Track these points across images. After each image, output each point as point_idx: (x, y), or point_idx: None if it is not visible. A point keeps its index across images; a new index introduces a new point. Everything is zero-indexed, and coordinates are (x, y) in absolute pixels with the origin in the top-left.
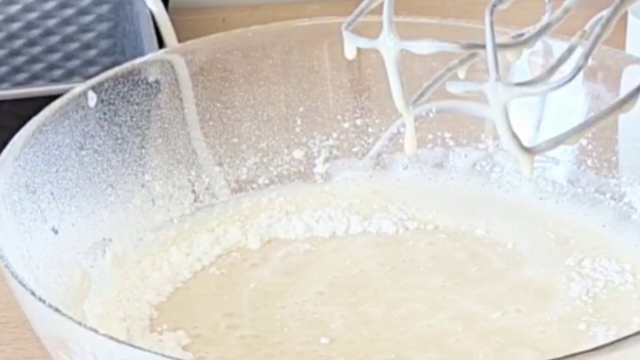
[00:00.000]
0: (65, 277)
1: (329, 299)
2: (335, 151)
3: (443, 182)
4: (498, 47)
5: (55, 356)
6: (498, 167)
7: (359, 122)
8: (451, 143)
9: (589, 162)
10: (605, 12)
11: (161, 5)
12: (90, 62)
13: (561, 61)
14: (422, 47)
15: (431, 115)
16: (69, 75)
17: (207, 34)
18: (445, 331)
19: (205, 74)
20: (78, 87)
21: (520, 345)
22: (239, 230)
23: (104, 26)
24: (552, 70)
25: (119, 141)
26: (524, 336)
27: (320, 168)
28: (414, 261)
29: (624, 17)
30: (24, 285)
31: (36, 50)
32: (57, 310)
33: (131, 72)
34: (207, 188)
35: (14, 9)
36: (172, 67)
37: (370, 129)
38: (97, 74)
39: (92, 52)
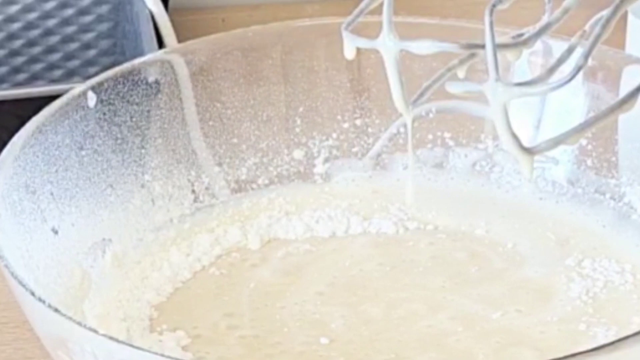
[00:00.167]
0: (65, 277)
1: (329, 299)
2: (335, 151)
3: (443, 182)
4: (498, 47)
5: (55, 356)
6: (498, 167)
7: (358, 122)
8: (451, 143)
9: (589, 162)
10: (605, 12)
11: (161, 6)
12: (90, 62)
13: (561, 61)
14: (422, 47)
15: (431, 115)
16: (69, 76)
17: (207, 34)
18: (445, 331)
19: (205, 74)
20: (78, 87)
21: (520, 345)
22: (238, 231)
23: (104, 26)
24: (552, 70)
25: (119, 141)
26: (524, 336)
27: (320, 168)
28: (414, 261)
29: (624, 17)
30: (23, 286)
31: (36, 50)
32: (57, 310)
33: (131, 72)
34: (206, 188)
35: (14, 9)
36: (172, 67)
37: (370, 129)
38: (97, 74)
39: (92, 52)
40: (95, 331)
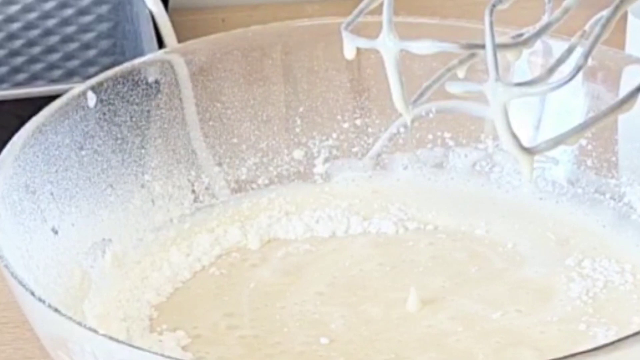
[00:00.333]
0: (65, 277)
1: (329, 299)
2: (335, 151)
3: (443, 182)
4: (498, 47)
5: (55, 356)
6: (498, 167)
7: (358, 122)
8: (451, 143)
9: (589, 162)
10: (605, 12)
11: (161, 6)
12: (90, 63)
13: (561, 61)
14: (422, 47)
15: (431, 115)
16: (69, 76)
17: (207, 34)
18: (445, 331)
19: (205, 74)
20: (78, 88)
21: (520, 345)
22: (238, 231)
23: (103, 26)
24: (551, 70)
25: (119, 141)
26: (524, 336)
27: (320, 168)
28: (414, 261)
29: (624, 17)
30: (23, 286)
31: (36, 50)
32: (57, 310)
33: (131, 72)
34: (206, 188)
35: (13, 9)
36: (172, 67)
37: (370, 129)
38: (96, 74)
39: (92, 53)
40: (95, 331)
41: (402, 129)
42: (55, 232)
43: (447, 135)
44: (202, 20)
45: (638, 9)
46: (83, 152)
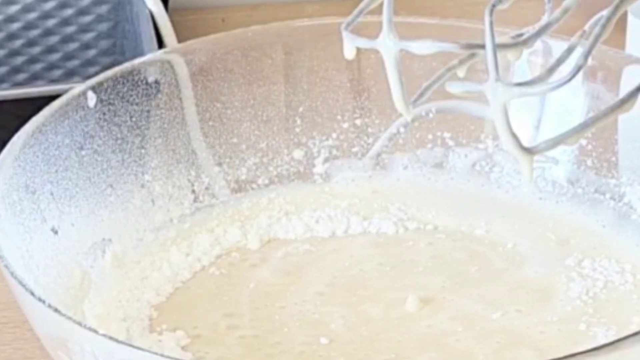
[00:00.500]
0: (65, 277)
1: (329, 299)
2: (334, 151)
3: (443, 182)
4: (498, 47)
5: (55, 356)
6: (498, 167)
7: (358, 122)
8: (451, 143)
9: (589, 162)
10: (604, 12)
11: (161, 6)
12: (89, 62)
13: (561, 61)
14: (422, 47)
15: (431, 115)
16: (69, 76)
17: (207, 34)
18: (445, 331)
19: (205, 74)
20: (78, 87)
21: (520, 345)
22: (238, 231)
23: (103, 26)
24: (551, 70)
25: (119, 141)
26: (524, 336)
27: (319, 168)
28: (414, 261)
29: (624, 17)
30: (23, 286)
31: (36, 50)
32: (57, 310)
33: (131, 72)
34: (206, 188)
35: (13, 9)
36: (172, 67)
37: (369, 129)
38: (96, 74)
39: (92, 52)
40: (95, 331)
41: (402, 129)
42: (55, 232)
43: (447, 135)
44: (202, 20)
45: (638, 9)
46: (83, 152)
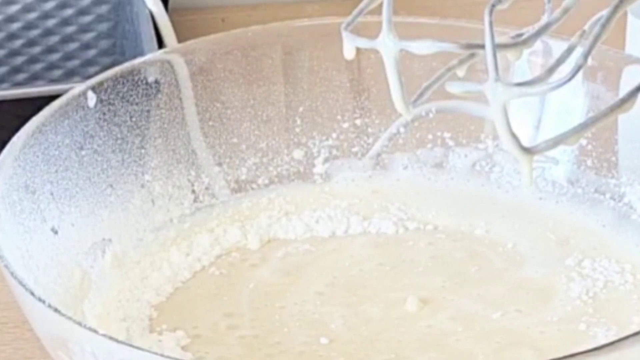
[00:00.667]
0: (65, 277)
1: (329, 299)
2: (334, 151)
3: (443, 182)
4: (497, 47)
5: (55, 356)
6: (498, 167)
7: (358, 122)
8: (451, 143)
9: (589, 162)
10: (604, 12)
11: (161, 6)
12: (90, 62)
13: (560, 61)
14: (422, 47)
15: (431, 115)
16: (69, 75)
17: (206, 34)
18: (445, 331)
19: (205, 74)
20: (78, 87)
21: (520, 345)
22: (238, 231)
23: (103, 26)
24: (551, 70)
25: (119, 141)
26: (524, 336)
27: (319, 168)
28: (414, 261)
29: (624, 17)
30: (23, 286)
31: (36, 50)
32: (57, 310)
33: (131, 72)
34: (206, 188)
35: (14, 9)
36: (172, 67)
37: (369, 129)
38: (96, 74)
39: (92, 52)
40: (95, 331)
41: (402, 129)
42: (55, 232)
43: (447, 135)
44: (202, 20)
45: (638, 9)
46: (83, 152)
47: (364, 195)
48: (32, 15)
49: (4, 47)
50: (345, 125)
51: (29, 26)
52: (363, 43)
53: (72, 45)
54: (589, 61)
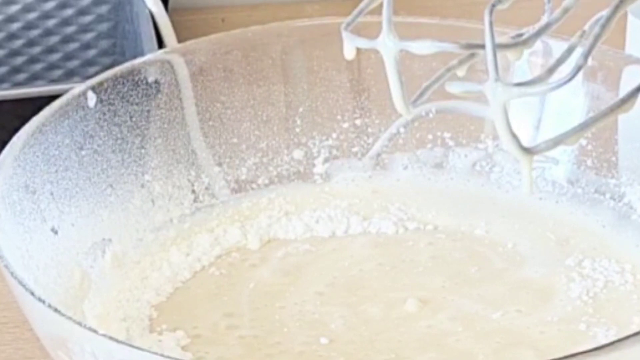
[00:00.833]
0: (65, 277)
1: (329, 299)
2: (334, 151)
3: (443, 182)
4: (497, 47)
5: (55, 356)
6: (498, 167)
7: (358, 122)
8: (451, 143)
9: (589, 162)
10: (604, 12)
11: (161, 6)
12: (90, 62)
13: (561, 61)
14: (422, 47)
15: (431, 115)
16: (69, 76)
17: (207, 34)
18: (445, 331)
19: (205, 74)
20: (78, 87)
21: (520, 345)
22: (238, 231)
23: (103, 26)
24: (551, 70)
25: (119, 141)
26: (524, 336)
27: (319, 168)
28: (414, 261)
29: (624, 17)
30: (23, 286)
31: (36, 50)
32: (57, 310)
33: (131, 72)
34: (206, 188)
35: (14, 9)
36: (172, 67)
37: (369, 129)
38: (96, 74)
39: (92, 53)
40: (95, 331)
41: (402, 129)
42: (55, 232)
43: (447, 135)
44: (202, 20)
45: (638, 9)
46: (83, 152)
47: (364, 195)
48: (32, 15)
49: (4, 47)
50: (345, 125)
51: (29, 26)
52: (363, 43)
53: (72, 45)
54: (589, 61)
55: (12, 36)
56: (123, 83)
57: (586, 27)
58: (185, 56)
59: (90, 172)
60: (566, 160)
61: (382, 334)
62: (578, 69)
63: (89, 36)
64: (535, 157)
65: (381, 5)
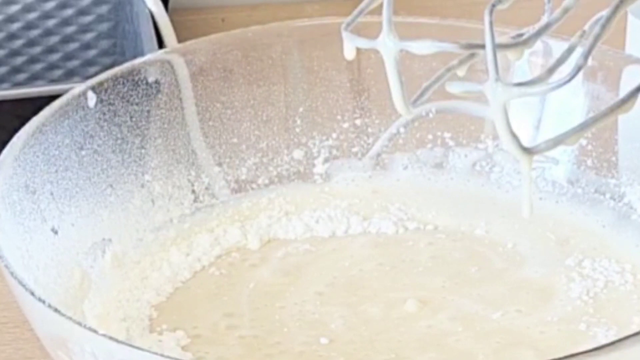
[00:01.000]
0: (65, 277)
1: (329, 299)
2: (334, 151)
3: (443, 182)
4: (497, 47)
5: (55, 356)
6: (498, 167)
7: (358, 122)
8: (451, 143)
9: (589, 162)
10: (604, 12)
11: (161, 6)
12: (90, 63)
13: (561, 61)
14: (422, 47)
15: (431, 115)
16: (69, 76)
17: (207, 34)
18: (445, 331)
19: (205, 74)
20: (78, 87)
21: (520, 345)
22: (238, 231)
23: (103, 26)
24: (551, 70)
25: (119, 141)
26: (524, 336)
27: (319, 168)
28: (414, 261)
29: (624, 18)
30: (23, 286)
31: (36, 50)
32: (57, 310)
33: (131, 72)
34: (206, 188)
35: (14, 9)
36: (172, 67)
37: (369, 129)
38: (96, 74)
39: (92, 53)
40: (95, 331)
41: (402, 129)
42: (55, 232)
43: (447, 135)
44: (202, 20)
45: (638, 9)
46: (83, 152)
47: (364, 195)
48: (32, 15)
49: (4, 47)
50: (345, 125)
51: (29, 26)
52: (363, 43)
53: (72, 46)
54: (589, 61)
55: (12, 36)
56: (123, 83)
57: (586, 27)
58: (185, 56)
59: (90, 172)
60: (566, 160)
61: (382, 334)
62: (578, 69)
63: (89, 36)
64: (535, 157)
65: (381, 5)
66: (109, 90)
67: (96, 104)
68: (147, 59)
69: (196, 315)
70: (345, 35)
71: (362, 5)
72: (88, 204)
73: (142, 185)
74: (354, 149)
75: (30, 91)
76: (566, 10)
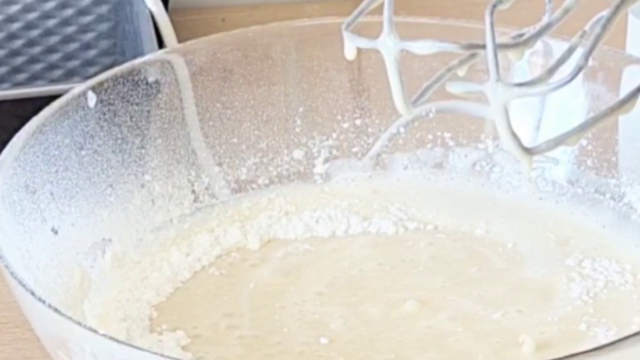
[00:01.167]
0: (65, 277)
1: (329, 299)
2: (334, 151)
3: (443, 182)
4: (498, 47)
5: (55, 356)
6: (498, 167)
7: (358, 122)
8: (451, 143)
9: (589, 162)
10: (605, 13)
11: (161, 6)
12: (90, 63)
13: (561, 61)
14: (422, 47)
15: (431, 115)
16: (69, 76)
17: (207, 34)
18: (445, 331)
19: (205, 74)
20: (78, 88)
21: (520, 345)
22: (238, 231)
23: (103, 26)
24: (552, 70)
25: (119, 141)
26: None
27: (319, 168)
28: (414, 261)
29: (624, 18)
30: (23, 286)
31: (36, 50)
32: (57, 310)
33: (131, 72)
34: (206, 188)
35: (14, 9)
36: (172, 67)
37: (370, 129)
38: (96, 74)
39: (92, 53)
40: (95, 331)
41: (402, 129)
42: (55, 232)
43: (447, 135)
44: (202, 20)
45: (638, 9)
46: (83, 152)
47: (364, 195)
48: (32, 15)
49: (4, 47)
50: (345, 125)
51: (29, 26)
52: (364, 43)
53: (72, 46)
54: (590, 61)
55: (12, 36)
56: (123, 83)
57: (587, 28)
58: (185, 56)
59: (90, 172)
60: (566, 160)
61: (382, 334)
62: (579, 69)
63: (89, 36)
64: (535, 157)
65: (381, 5)
66: (109, 90)
67: (96, 104)
68: (147, 59)
69: (196, 315)
70: (345, 35)
71: (362, 5)
72: (88, 204)
73: (142, 185)
74: (354, 149)
75: (30, 91)
76: (567, 11)
